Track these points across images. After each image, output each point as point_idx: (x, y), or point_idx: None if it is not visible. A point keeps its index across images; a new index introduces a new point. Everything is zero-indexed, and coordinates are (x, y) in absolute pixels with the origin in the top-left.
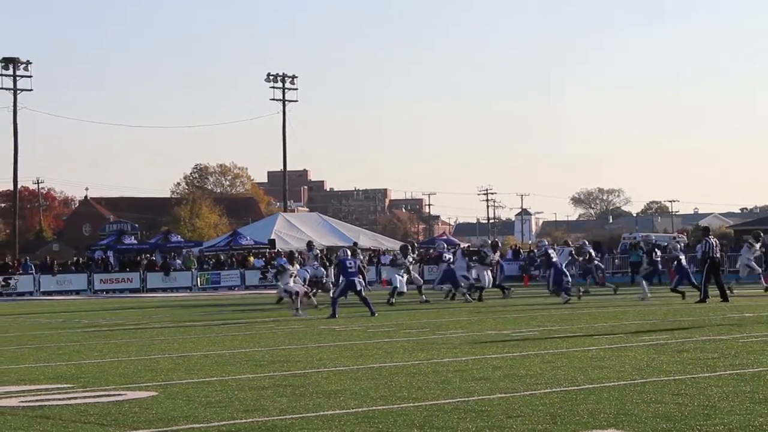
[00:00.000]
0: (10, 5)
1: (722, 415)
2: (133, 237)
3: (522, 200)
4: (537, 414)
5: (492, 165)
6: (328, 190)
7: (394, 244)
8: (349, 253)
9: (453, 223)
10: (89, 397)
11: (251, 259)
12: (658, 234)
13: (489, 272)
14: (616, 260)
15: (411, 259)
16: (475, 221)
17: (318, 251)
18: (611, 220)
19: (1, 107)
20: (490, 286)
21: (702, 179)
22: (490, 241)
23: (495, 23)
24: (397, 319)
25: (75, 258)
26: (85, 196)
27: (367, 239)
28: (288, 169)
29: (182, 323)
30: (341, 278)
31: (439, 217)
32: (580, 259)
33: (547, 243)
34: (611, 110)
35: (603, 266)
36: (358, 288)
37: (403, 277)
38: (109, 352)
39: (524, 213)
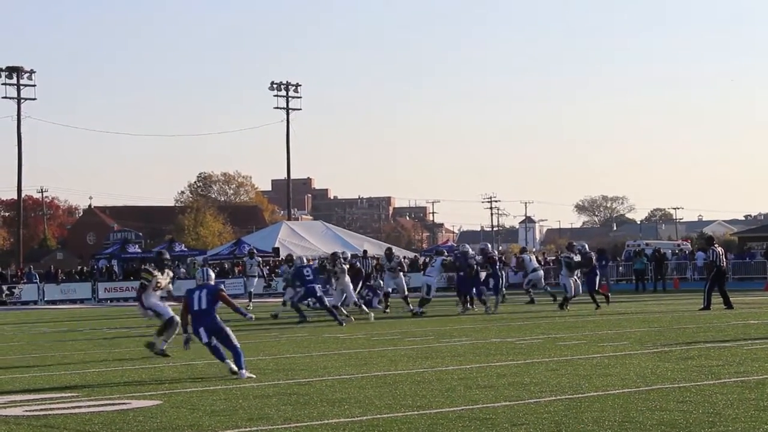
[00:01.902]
0: (14, 14)
1: (727, 422)
2: (137, 246)
3: (526, 208)
4: (542, 422)
5: (496, 173)
6: (332, 198)
7: (399, 252)
8: (305, 260)
9: (457, 231)
10: (94, 406)
11: None
12: (663, 241)
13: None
14: (621, 268)
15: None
16: (479, 229)
17: (259, 259)
18: (615, 228)
19: (5, 116)
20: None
21: (706, 186)
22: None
23: (498, 31)
24: (401, 327)
25: (79, 267)
26: (89, 205)
27: (371, 247)
28: (292, 177)
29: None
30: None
31: (443, 224)
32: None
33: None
34: (615, 118)
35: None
36: (318, 294)
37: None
38: (113, 361)
39: (528, 221)
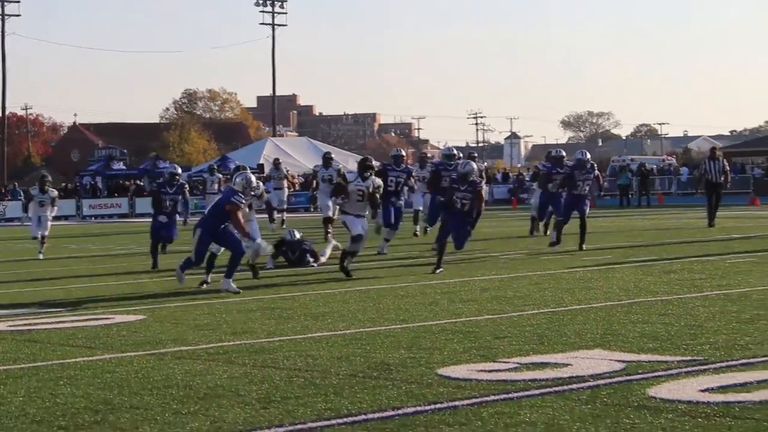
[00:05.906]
0: None
1: (708, 334)
2: (121, 162)
3: (511, 123)
4: (524, 335)
5: (481, 89)
6: (317, 114)
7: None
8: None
9: (442, 147)
10: (77, 320)
11: None
12: (648, 157)
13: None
14: (605, 183)
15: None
16: (464, 145)
17: (220, 176)
18: (600, 143)
19: None
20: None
21: (691, 102)
22: None
23: None
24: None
25: (64, 184)
26: (74, 122)
27: (356, 163)
28: (277, 93)
29: (170, 248)
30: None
31: (428, 141)
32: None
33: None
34: (601, 32)
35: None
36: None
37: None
38: (97, 277)
39: (513, 137)
